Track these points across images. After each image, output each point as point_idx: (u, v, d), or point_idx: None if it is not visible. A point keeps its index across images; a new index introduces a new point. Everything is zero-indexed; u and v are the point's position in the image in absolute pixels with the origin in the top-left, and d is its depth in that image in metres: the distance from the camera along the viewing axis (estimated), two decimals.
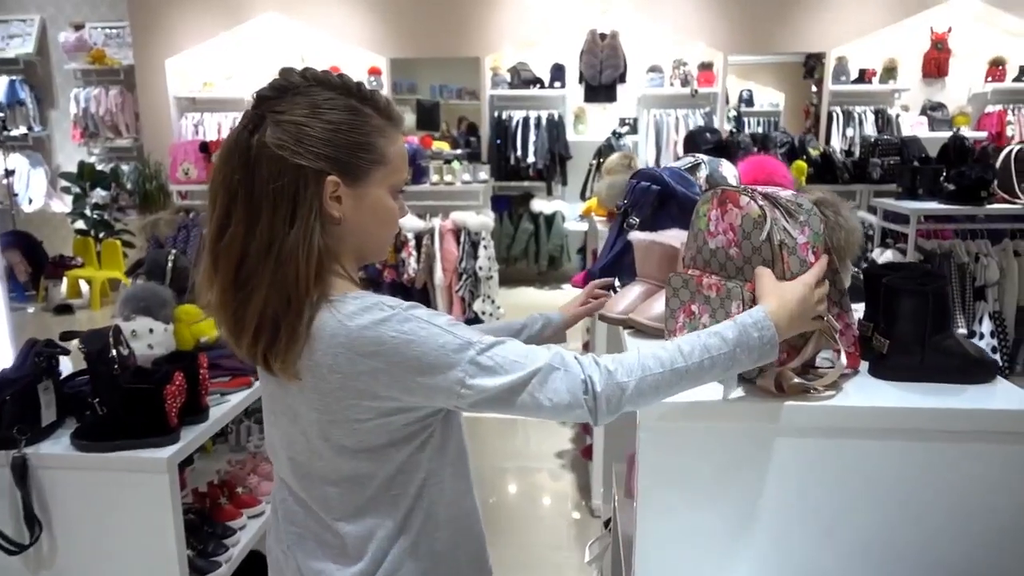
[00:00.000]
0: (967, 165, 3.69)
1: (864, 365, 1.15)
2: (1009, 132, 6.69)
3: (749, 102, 7.47)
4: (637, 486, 1.07)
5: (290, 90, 0.97)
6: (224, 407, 1.87)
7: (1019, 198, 3.50)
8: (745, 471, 1.03)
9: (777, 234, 1.03)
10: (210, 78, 7.25)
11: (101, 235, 6.90)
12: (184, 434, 1.67)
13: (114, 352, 1.69)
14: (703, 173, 1.81)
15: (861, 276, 1.29)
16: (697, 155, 1.88)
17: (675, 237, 1.41)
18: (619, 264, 1.65)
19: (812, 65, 7.15)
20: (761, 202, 1.06)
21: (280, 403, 1.04)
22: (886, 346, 1.09)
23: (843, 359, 1.04)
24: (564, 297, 6.91)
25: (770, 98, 7.58)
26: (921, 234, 3.76)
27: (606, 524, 1.97)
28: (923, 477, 1.00)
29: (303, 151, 0.94)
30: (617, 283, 1.60)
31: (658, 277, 1.43)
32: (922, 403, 1.01)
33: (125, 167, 7.48)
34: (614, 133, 6.79)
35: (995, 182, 3.56)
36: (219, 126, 7.20)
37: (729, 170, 1.83)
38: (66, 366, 1.84)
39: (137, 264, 2.33)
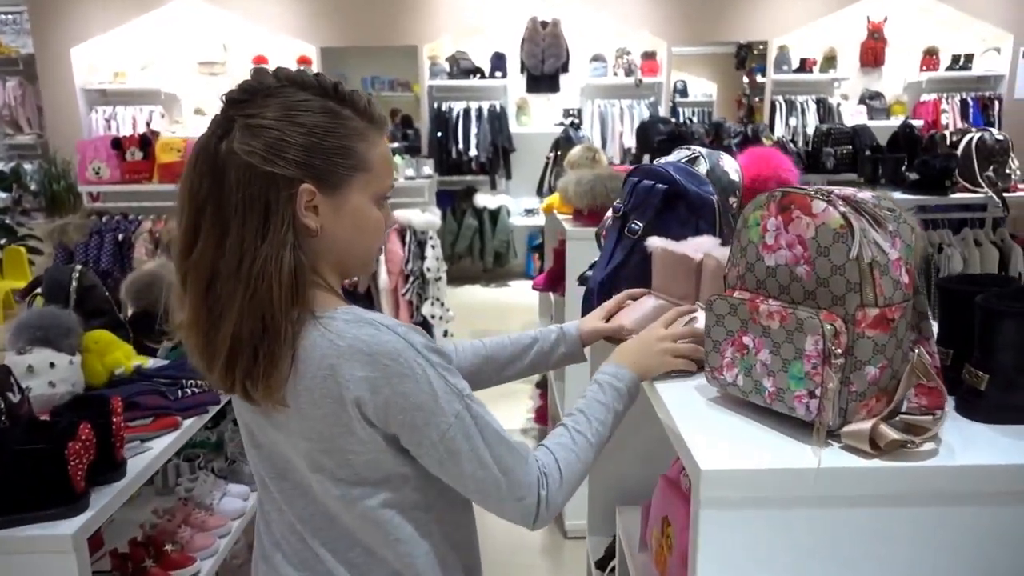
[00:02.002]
0: (928, 154, 3.62)
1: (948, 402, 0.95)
2: (944, 120, 6.80)
3: (683, 92, 7.41)
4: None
5: (261, 91, 0.89)
6: (145, 457, 1.56)
7: (981, 187, 3.44)
8: (834, 553, 0.81)
9: (868, 250, 0.81)
10: (122, 68, 6.68)
11: (3, 241, 6.27)
12: (95, 498, 1.37)
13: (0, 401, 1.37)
14: (702, 168, 1.58)
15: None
16: (692, 147, 1.65)
17: (697, 247, 1.18)
18: (618, 277, 1.42)
19: (744, 56, 7.12)
20: (843, 208, 0.83)
21: (264, 434, 0.96)
22: (984, 381, 0.89)
23: (947, 407, 0.83)
24: (512, 295, 6.78)
25: (704, 88, 7.55)
26: None
27: (599, 565, 1.75)
28: None
29: (274, 157, 0.86)
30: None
31: (676, 293, 1.21)
32: None
33: (28, 166, 6.84)
34: (572, 124, 6.54)
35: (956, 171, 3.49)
36: (134, 120, 6.67)
37: (730, 164, 1.61)
38: None
39: (33, 284, 1.96)
